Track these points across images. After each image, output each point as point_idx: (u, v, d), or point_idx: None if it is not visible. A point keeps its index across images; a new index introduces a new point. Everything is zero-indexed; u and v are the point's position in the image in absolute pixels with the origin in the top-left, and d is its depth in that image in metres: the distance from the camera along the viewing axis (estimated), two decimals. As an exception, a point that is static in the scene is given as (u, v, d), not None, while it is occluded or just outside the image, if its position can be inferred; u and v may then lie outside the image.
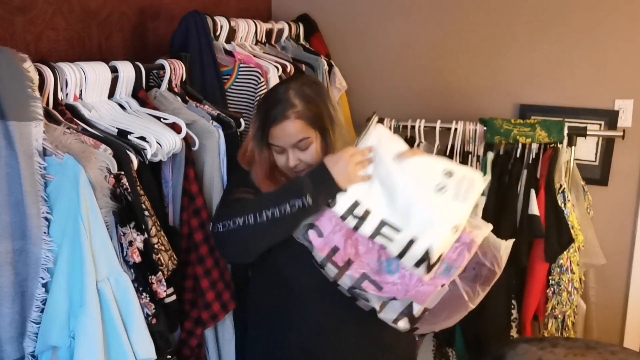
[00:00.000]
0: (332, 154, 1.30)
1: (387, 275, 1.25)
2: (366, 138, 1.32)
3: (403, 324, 1.26)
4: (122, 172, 1.20)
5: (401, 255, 1.24)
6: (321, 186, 1.26)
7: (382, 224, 1.25)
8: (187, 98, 1.62)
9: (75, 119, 1.28)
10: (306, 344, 1.39)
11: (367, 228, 1.26)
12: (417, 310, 1.25)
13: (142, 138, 1.31)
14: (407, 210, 1.25)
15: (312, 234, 1.26)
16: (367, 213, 1.26)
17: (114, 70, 1.41)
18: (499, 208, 2.02)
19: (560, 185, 2.03)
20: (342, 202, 1.26)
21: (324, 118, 1.35)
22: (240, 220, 1.26)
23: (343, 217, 1.26)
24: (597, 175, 2.31)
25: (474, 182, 1.29)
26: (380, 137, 1.33)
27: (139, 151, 1.28)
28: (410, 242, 1.23)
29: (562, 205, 2.00)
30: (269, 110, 1.34)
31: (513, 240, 1.31)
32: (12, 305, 1.07)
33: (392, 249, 1.24)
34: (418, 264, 1.23)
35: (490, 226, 1.31)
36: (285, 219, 1.25)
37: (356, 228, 1.25)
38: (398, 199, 1.26)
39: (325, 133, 1.36)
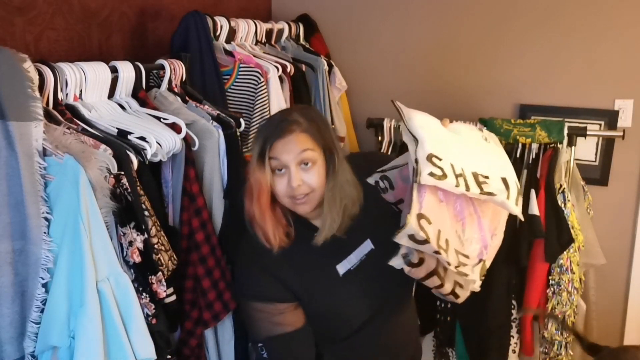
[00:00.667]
0: None
1: (467, 245, 1.27)
2: (410, 117, 1.32)
3: (479, 284, 1.31)
4: (122, 172, 1.19)
5: (508, 196, 1.27)
6: None
7: (476, 175, 1.26)
8: (187, 98, 1.62)
9: (75, 119, 1.28)
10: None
11: (473, 186, 1.25)
12: (486, 268, 1.31)
13: (142, 138, 1.31)
14: (480, 158, 1.31)
15: (424, 224, 1.19)
16: (463, 171, 1.26)
17: (114, 70, 1.41)
18: (499, 208, 2.03)
19: (560, 185, 2.03)
20: (449, 174, 1.22)
21: (328, 138, 1.30)
22: None
23: (457, 184, 1.22)
24: (597, 175, 2.31)
25: (495, 137, 1.48)
26: (419, 114, 1.36)
27: (139, 151, 1.28)
28: (505, 181, 1.29)
29: (562, 205, 2.00)
30: (271, 127, 1.28)
31: None
32: (12, 305, 1.07)
33: (497, 194, 1.26)
34: (517, 200, 1.29)
35: None
36: None
37: (468, 189, 1.23)
38: (470, 153, 1.31)
39: (329, 155, 1.30)
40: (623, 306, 2.39)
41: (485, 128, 1.46)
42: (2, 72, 1.06)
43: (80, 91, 1.34)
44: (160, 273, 1.25)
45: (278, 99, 1.91)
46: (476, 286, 1.29)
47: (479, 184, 1.25)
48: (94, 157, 1.13)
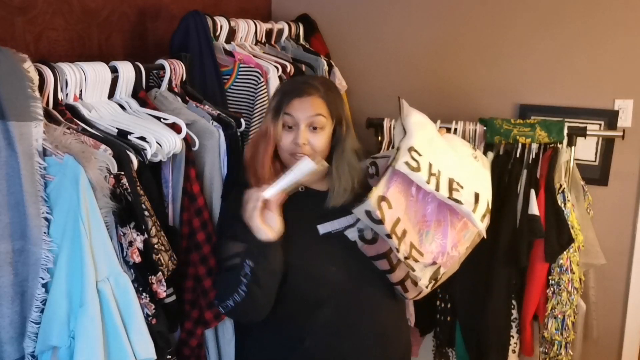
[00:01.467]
0: None
1: (427, 245, 1.37)
2: (408, 113, 1.44)
3: (430, 287, 1.41)
4: (122, 173, 1.20)
5: (474, 209, 1.36)
6: (250, 247, 1.30)
7: (451, 181, 1.36)
8: (187, 98, 1.62)
9: (75, 119, 1.28)
10: (320, 346, 1.40)
11: (443, 189, 1.34)
12: (440, 274, 1.41)
13: (142, 138, 1.31)
14: (462, 170, 1.41)
15: (384, 207, 1.28)
16: (439, 173, 1.35)
17: (114, 70, 1.41)
18: (498, 208, 2.02)
19: (560, 185, 2.03)
20: (423, 170, 1.32)
21: (341, 110, 1.43)
22: (230, 302, 1.31)
23: (428, 181, 1.32)
24: (597, 175, 2.31)
25: (486, 159, 1.59)
26: (418, 114, 1.47)
27: (139, 151, 1.28)
28: (477, 196, 1.38)
29: (562, 205, 2.00)
30: (292, 85, 1.42)
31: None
32: (12, 305, 1.07)
33: (464, 204, 1.35)
34: (483, 217, 1.38)
35: None
36: (251, 287, 1.28)
37: (437, 189, 1.33)
38: (454, 162, 1.41)
39: (338, 127, 1.42)
40: (623, 306, 2.39)
41: (479, 151, 1.60)
42: (2, 72, 1.06)
43: (80, 91, 1.34)
44: (160, 273, 1.25)
45: (278, 99, 1.92)
46: (425, 288, 1.39)
47: (450, 189, 1.34)
48: (94, 157, 1.13)
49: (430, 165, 1.34)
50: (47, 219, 1.09)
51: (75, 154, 1.11)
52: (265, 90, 1.85)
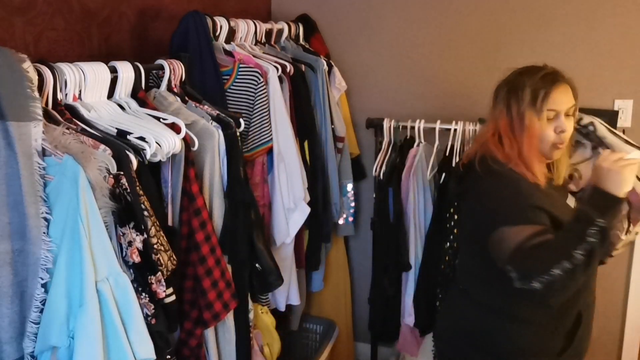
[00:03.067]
0: (593, 173, 1.34)
1: None
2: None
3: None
4: (122, 173, 1.19)
5: None
6: (605, 207, 1.28)
7: None
8: (186, 98, 1.62)
9: (74, 119, 1.28)
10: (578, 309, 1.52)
11: None
12: None
13: (142, 138, 1.31)
14: None
15: None
16: None
17: (113, 70, 1.41)
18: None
19: (560, 186, 2.03)
20: None
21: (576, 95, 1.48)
22: (557, 271, 1.25)
23: None
24: (597, 175, 2.31)
25: None
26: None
27: (139, 151, 1.28)
28: None
29: (562, 205, 2.00)
30: (544, 78, 1.44)
31: None
32: (12, 305, 1.07)
33: None
34: None
35: None
36: (594, 250, 1.26)
37: None
38: None
39: (575, 110, 1.48)
40: (623, 306, 2.39)
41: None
42: (1, 72, 1.06)
43: (80, 91, 1.34)
44: (159, 273, 1.24)
45: (278, 99, 1.91)
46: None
47: None
48: (93, 157, 1.13)
49: None
50: (46, 219, 1.09)
51: (75, 154, 1.11)
52: (265, 90, 1.85)
